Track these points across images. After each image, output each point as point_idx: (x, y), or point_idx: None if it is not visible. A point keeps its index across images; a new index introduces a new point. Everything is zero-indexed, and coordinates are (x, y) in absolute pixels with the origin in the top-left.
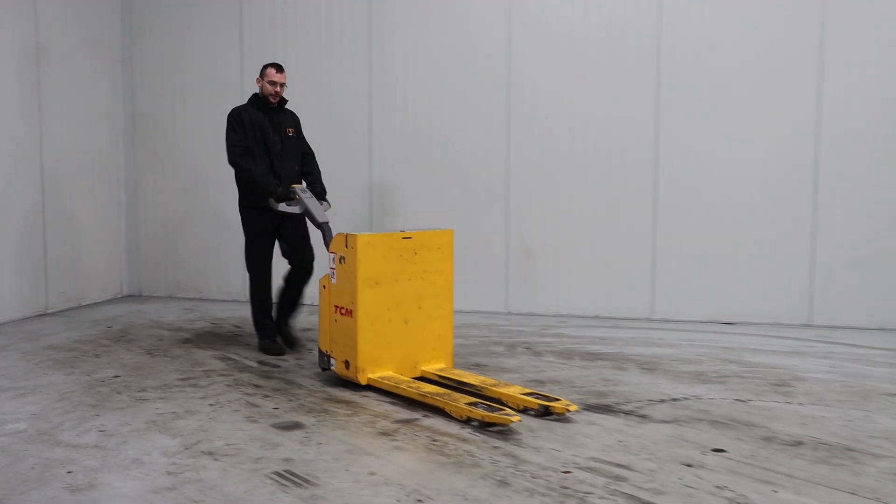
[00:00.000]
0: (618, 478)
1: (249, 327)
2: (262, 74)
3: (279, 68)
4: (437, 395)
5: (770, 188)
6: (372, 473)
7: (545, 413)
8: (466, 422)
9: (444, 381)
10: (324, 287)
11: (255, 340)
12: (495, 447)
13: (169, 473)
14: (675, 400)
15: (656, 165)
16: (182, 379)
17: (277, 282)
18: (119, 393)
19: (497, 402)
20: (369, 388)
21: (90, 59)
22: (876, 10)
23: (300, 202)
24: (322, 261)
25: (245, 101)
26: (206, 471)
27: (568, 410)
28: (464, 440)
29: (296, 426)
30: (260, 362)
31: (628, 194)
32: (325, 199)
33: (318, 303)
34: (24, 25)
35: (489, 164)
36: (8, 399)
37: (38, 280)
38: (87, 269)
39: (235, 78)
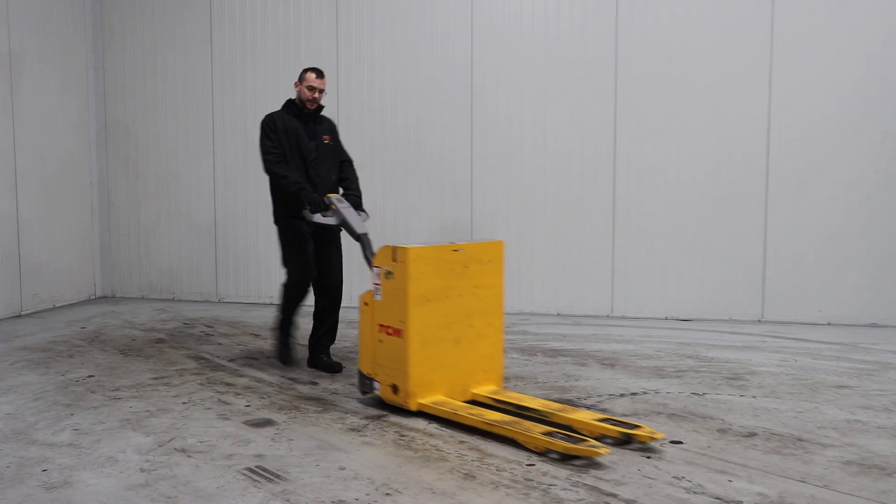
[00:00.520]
0: (580, 469)
1: (221, 327)
2: (301, 79)
3: (320, 73)
4: (506, 423)
5: (722, 190)
6: (342, 468)
7: (626, 442)
8: (543, 454)
9: (500, 406)
10: (366, 304)
11: (226, 340)
12: (461, 441)
13: (143, 470)
14: (634, 394)
15: (615, 168)
16: (155, 378)
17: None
18: (93, 392)
19: (567, 429)
20: (421, 413)
21: (62, 65)
22: (826, 8)
23: (336, 213)
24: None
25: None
26: (180, 467)
27: (653, 439)
28: (430, 435)
29: (267, 423)
30: (231, 360)
31: (588, 196)
32: (363, 209)
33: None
34: None
35: (453, 165)
36: None
37: (12, 282)
38: (60, 271)
39: (206, 85)
